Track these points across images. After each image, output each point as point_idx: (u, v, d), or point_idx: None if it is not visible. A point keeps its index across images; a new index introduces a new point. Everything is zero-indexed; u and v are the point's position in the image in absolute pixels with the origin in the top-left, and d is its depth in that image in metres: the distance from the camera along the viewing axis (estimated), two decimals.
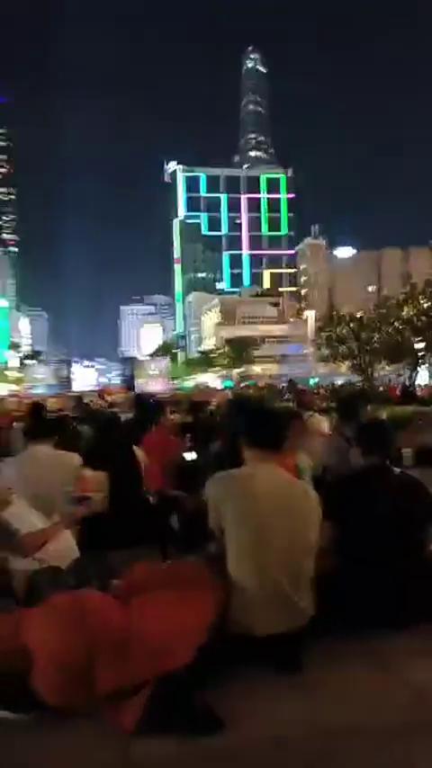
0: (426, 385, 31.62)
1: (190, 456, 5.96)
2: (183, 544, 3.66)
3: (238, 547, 2.83)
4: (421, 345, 31.42)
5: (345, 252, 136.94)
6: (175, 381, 68.82)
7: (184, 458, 5.95)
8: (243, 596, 2.77)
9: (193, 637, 2.58)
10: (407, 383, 30.69)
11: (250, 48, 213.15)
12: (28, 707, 2.40)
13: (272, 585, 2.78)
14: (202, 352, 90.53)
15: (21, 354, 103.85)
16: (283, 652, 2.74)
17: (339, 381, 39.14)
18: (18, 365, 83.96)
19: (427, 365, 33.14)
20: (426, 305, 31.90)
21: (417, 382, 32.50)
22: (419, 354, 31.81)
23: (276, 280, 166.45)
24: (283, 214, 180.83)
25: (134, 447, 5.27)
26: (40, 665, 2.42)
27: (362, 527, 3.24)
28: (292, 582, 2.82)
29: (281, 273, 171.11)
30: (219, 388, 40.81)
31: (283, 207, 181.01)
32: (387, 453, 3.60)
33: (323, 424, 6.85)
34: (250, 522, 2.82)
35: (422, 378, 33.71)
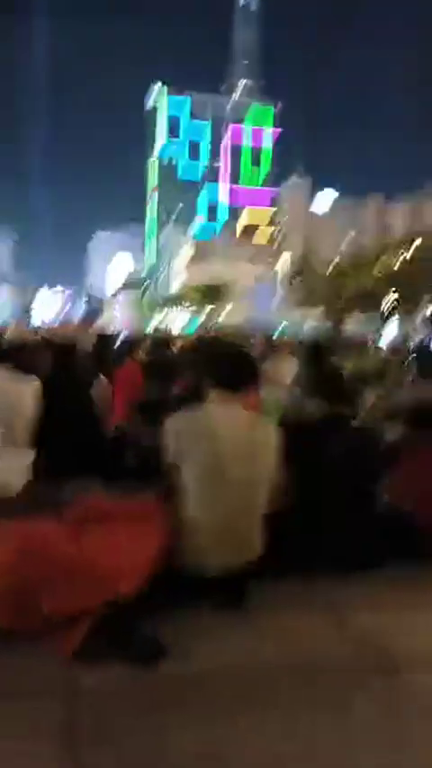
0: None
1: (149, 392, 5.93)
2: (138, 479, 3.64)
3: (193, 483, 2.82)
4: (395, 296, 31.62)
5: (326, 196, 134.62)
6: (138, 320, 68.07)
7: (144, 393, 5.93)
8: (194, 531, 2.79)
9: (141, 568, 2.59)
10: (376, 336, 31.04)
11: None
12: None
13: (224, 524, 2.79)
14: (174, 292, 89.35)
15: None
16: (231, 589, 2.79)
17: (309, 328, 39.32)
18: None
19: (397, 318, 33.45)
20: (403, 257, 31.86)
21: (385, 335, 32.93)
22: (392, 306, 32.08)
23: (255, 217, 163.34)
24: (269, 151, 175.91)
25: (96, 378, 5.19)
26: None
27: (315, 473, 3.26)
28: (245, 519, 2.84)
29: (261, 211, 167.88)
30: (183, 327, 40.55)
31: (269, 143, 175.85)
32: (345, 404, 3.61)
33: (289, 370, 6.85)
34: (207, 460, 2.81)
35: (391, 331, 34.08)
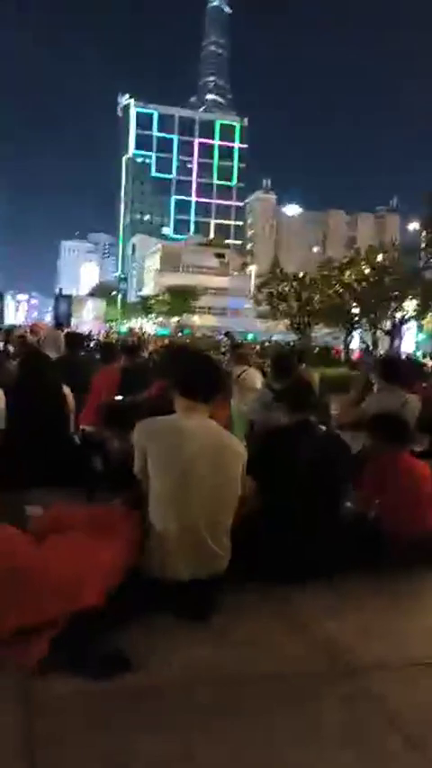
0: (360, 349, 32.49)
1: (119, 397, 5.90)
2: (106, 486, 3.61)
3: (159, 493, 2.81)
4: (357, 310, 32.10)
5: (292, 210, 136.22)
6: (111, 324, 67.63)
7: (115, 399, 5.90)
8: (160, 542, 2.77)
9: (105, 579, 2.57)
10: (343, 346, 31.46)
11: None
12: None
13: (190, 533, 2.78)
14: (142, 297, 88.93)
15: None
16: (196, 599, 2.76)
17: (277, 338, 39.62)
18: None
19: (361, 330, 33.94)
20: (367, 271, 32.39)
21: (351, 346, 33.43)
22: (355, 319, 32.53)
23: (223, 231, 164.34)
24: (235, 164, 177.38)
25: (62, 386, 5.14)
26: None
27: (280, 482, 3.29)
28: (211, 531, 2.83)
29: (228, 225, 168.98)
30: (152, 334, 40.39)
31: (236, 156, 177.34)
32: (311, 411, 3.65)
33: (257, 380, 6.90)
34: (173, 470, 2.80)
35: (354, 342, 34.59)
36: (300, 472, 3.30)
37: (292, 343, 29.85)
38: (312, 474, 3.31)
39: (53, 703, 2.16)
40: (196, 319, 74.59)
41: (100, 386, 6.19)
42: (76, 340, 8.51)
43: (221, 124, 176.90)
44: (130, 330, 43.03)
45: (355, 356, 23.98)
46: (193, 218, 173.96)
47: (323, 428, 3.65)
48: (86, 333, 21.20)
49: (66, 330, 13.70)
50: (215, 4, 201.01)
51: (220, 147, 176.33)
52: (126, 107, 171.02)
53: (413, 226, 38.10)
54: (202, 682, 2.34)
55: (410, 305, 31.34)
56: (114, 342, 18.04)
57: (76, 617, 2.41)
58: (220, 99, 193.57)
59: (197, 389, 2.97)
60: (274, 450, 3.45)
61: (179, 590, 2.75)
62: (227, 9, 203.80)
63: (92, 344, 14.37)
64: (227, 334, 25.66)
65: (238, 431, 5.21)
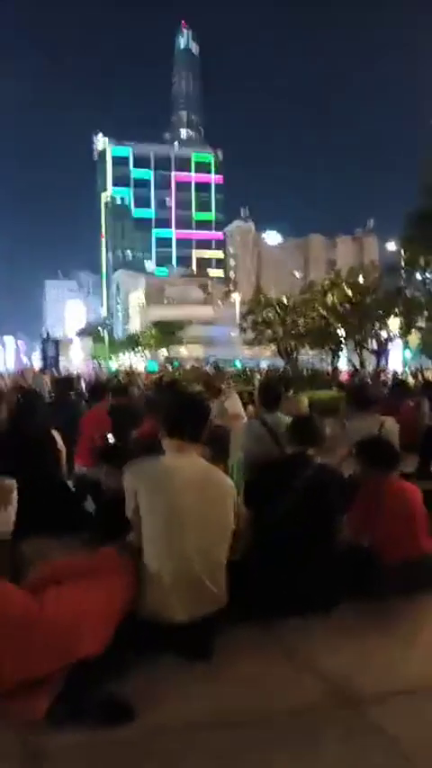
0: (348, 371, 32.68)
1: (111, 437, 5.91)
2: (98, 529, 3.61)
3: (152, 534, 2.82)
4: (342, 332, 32.43)
5: (272, 237, 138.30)
6: (99, 362, 67.67)
7: (107, 439, 5.91)
8: (156, 584, 2.78)
9: (104, 626, 2.57)
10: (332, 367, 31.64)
11: (183, 24, 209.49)
12: None
13: (185, 573, 2.79)
14: (130, 335, 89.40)
15: None
16: (194, 639, 2.76)
17: (264, 364, 39.80)
18: None
19: (346, 351, 34.25)
20: (349, 292, 32.83)
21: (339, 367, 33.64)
22: (341, 340, 32.85)
23: (205, 262, 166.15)
24: (212, 196, 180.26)
25: (52, 430, 5.16)
26: None
27: (274, 513, 3.31)
28: (206, 569, 2.84)
29: (209, 257, 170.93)
30: (141, 370, 40.52)
31: (213, 189, 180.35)
32: (314, 445, 3.71)
33: (238, 405, 6.98)
34: (164, 511, 2.82)
35: (341, 364, 34.83)
36: (294, 504, 3.32)
37: (281, 370, 29.96)
38: (306, 505, 3.32)
39: (57, 755, 2.15)
40: (184, 351, 74.87)
41: (90, 426, 6.22)
42: (65, 384, 8.57)
43: (196, 159, 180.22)
44: (119, 370, 43.11)
45: (343, 378, 24.19)
46: (174, 252, 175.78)
47: (318, 460, 3.67)
48: (75, 375, 21.18)
49: (51, 373, 13.75)
50: (183, 47, 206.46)
51: (196, 180, 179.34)
52: (102, 149, 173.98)
53: (391, 246, 38.76)
54: (203, 725, 2.34)
55: (395, 323, 31.73)
56: (104, 380, 17.99)
57: (75, 667, 2.41)
58: (192, 133, 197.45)
59: (183, 430, 3.00)
60: (269, 482, 3.47)
61: (177, 631, 2.75)
62: (194, 49, 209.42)
63: (82, 386, 14.36)
64: (216, 365, 25.72)
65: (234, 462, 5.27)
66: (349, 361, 35.06)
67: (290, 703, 2.49)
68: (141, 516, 2.85)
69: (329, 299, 33.28)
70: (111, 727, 2.26)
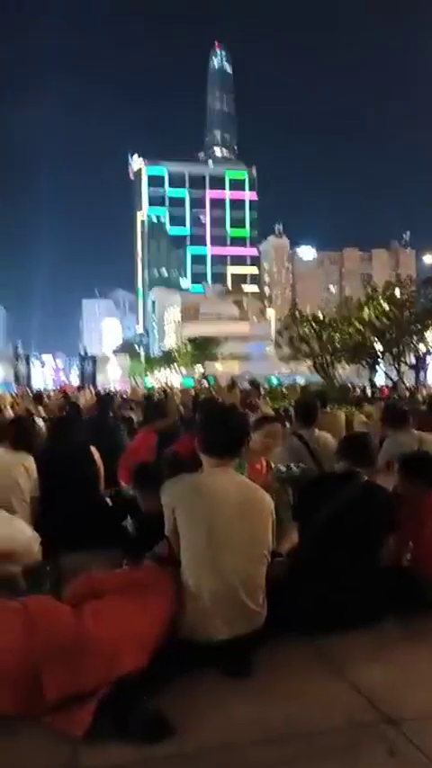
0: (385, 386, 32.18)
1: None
2: (137, 547, 3.63)
3: (191, 552, 2.84)
4: (380, 347, 32.02)
5: (306, 252, 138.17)
6: (136, 379, 68.38)
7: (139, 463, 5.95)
8: (196, 601, 2.78)
9: (146, 643, 2.58)
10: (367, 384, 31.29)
11: (217, 45, 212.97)
12: None
13: (225, 590, 2.79)
14: (164, 351, 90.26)
15: None
16: (234, 656, 2.75)
17: (301, 380, 39.55)
18: None
19: (383, 366, 33.77)
20: (386, 307, 32.45)
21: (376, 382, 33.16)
22: (378, 355, 32.42)
23: (239, 279, 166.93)
24: (247, 213, 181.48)
25: (91, 447, 5.24)
26: None
27: (319, 529, 3.28)
28: (246, 586, 2.83)
29: (244, 274, 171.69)
30: (178, 386, 40.76)
31: (247, 206, 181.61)
32: (365, 464, 3.69)
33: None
34: (201, 528, 2.82)
35: (379, 378, 34.33)
36: (340, 519, 3.29)
37: (323, 386, 29.63)
38: (352, 521, 3.29)
39: None
40: (219, 367, 75.09)
41: (135, 448, 6.21)
42: (105, 402, 8.68)
43: (230, 176, 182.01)
44: (154, 386, 43.48)
45: (383, 394, 23.89)
46: (209, 268, 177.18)
47: (365, 477, 3.63)
48: (112, 392, 21.44)
49: (89, 390, 13.93)
50: (217, 67, 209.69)
51: (230, 198, 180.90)
52: (138, 169, 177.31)
53: (428, 258, 38.25)
54: (246, 742, 2.32)
55: None
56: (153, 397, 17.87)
57: (117, 683, 2.42)
58: (226, 151, 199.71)
59: (219, 447, 3.01)
60: (315, 498, 3.45)
61: (217, 647, 2.75)
62: (228, 68, 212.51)
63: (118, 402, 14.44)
64: (251, 381, 25.66)
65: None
66: (388, 377, 34.52)
67: (331, 719, 2.46)
68: (180, 534, 2.87)
69: (366, 313, 32.95)
70: (152, 743, 2.26)
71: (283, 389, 28.14)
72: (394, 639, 3.08)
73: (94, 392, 20.74)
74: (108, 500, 5.19)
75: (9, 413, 11.18)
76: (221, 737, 2.34)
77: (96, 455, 5.20)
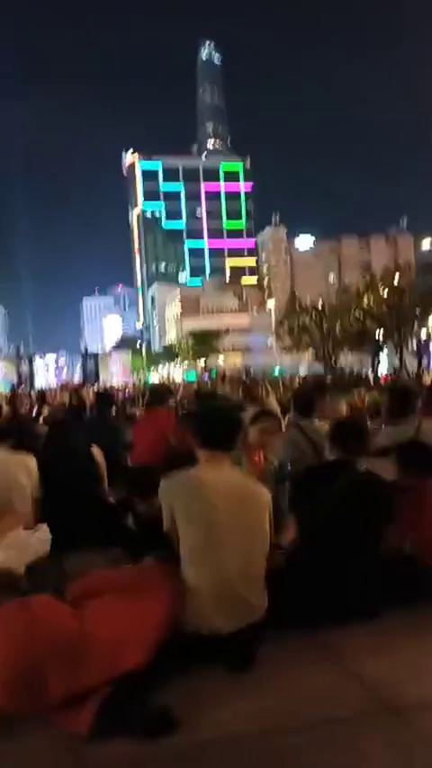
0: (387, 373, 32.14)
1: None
2: (138, 545, 3.65)
3: (189, 548, 2.84)
4: (381, 334, 31.98)
5: (304, 241, 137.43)
6: (138, 376, 68.41)
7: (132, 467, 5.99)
8: (196, 596, 2.79)
9: (148, 640, 2.60)
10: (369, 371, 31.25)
11: (206, 39, 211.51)
12: None
13: (224, 585, 2.80)
14: (165, 347, 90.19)
15: None
16: (235, 650, 2.76)
17: (303, 370, 39.51)
18: None
19: (386, 353, 33.73)
20: (385, 293, 32.38)
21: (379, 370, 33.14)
22: (379, 342, 32.39)
23: (238, 271, 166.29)
24: (242, 204, 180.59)
25: (93, 446, 5.24)
26: None
27: (318, 521, 3.28)
28: (245, 580, 2.84)
29: (242, 266, 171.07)
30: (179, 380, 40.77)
31: (242, 197, 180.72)
32: (357, 451, 3.60)
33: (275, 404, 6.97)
34: (200, 523, 2.83)
35: (382, 366, 34.30)
36: (337, 509, 3.28)
37: (328, 376, 29.55)
38: (350, 511, 3.28)
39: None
40: (221, 360, 75.01)
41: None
42: (105, 401, 8.67)
43: (225, 168, 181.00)
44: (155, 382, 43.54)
45: (383, 380, 23.84)
46: (207, 262, 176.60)
47: (363, 466, 3.60)
48: (113, 388, 21.45)
49: (90, 387, 13.95)
50: (205, 59, 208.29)
51: (225, 190, 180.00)
52: (131, 164, 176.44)
53: (426, 244, 38.08)
54: (248, 735, 2.34)
55: None
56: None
57: (119, 680, 2.44)
58: (219, 144, 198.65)
59: (215, 440, 3.02)
60: (312, 488, 3.44)
61: (218, 642, 2.76)
62: (217, 60, 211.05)
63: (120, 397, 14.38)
64: (247, 373, 25.71)
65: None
66: (390, 363, 34.50)
67: (334, 711, 2.47)
68: (178, 529, 2.87)
69: (365, 301, 32.90)
70: (155, 739, 2.28)
71: (281, 381, 28.15)
72: (397, 630, 3.07)
73: (95, 390, 20.71)
74: (111, 499, 5.20)
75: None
76: (225, 731, 2.35)
77: (99, 454, 5.20)
